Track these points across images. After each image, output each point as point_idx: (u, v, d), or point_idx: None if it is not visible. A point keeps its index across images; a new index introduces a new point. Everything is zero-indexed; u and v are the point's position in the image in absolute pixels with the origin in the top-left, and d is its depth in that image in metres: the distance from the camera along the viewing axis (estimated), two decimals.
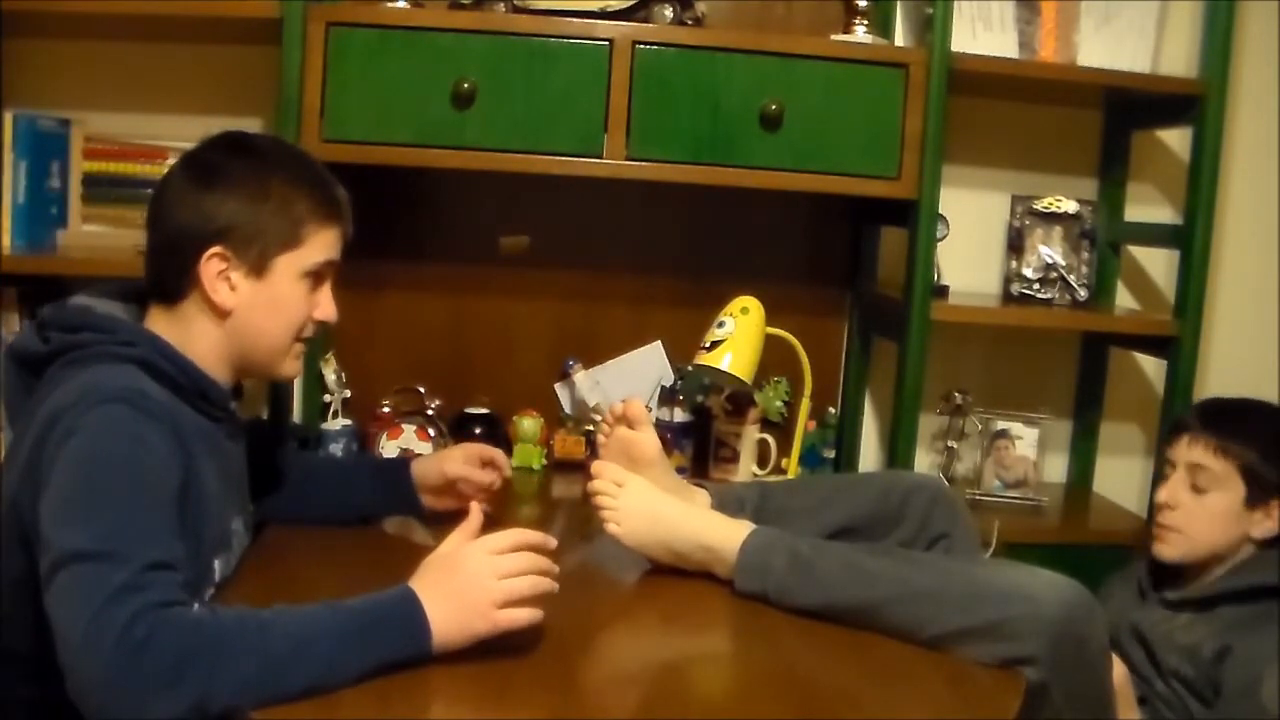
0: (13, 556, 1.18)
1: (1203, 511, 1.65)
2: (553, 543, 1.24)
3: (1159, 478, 1.78)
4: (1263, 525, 1.64)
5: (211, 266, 1.29)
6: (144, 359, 1.24)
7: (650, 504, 1.47)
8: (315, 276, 1.36)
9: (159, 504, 1.14)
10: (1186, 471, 1.67)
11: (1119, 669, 1.46)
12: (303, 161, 1.39)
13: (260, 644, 1.05)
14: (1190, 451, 1.68)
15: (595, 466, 1.51)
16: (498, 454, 1.66)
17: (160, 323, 1.33)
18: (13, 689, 1.23)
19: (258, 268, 1.31)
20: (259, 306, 1.33)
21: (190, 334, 1.32)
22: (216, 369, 1.34)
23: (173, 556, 1.10)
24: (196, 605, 1.13)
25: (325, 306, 1.39)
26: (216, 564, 1.31)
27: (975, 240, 2.35)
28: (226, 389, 1.36)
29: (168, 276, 1.32)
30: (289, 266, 1.33)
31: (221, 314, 1.32)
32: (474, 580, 1.16)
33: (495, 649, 1.19)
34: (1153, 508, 1.74)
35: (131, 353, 1.24)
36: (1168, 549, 1.68)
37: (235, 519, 1.39)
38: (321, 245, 1.36)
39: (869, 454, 2.39)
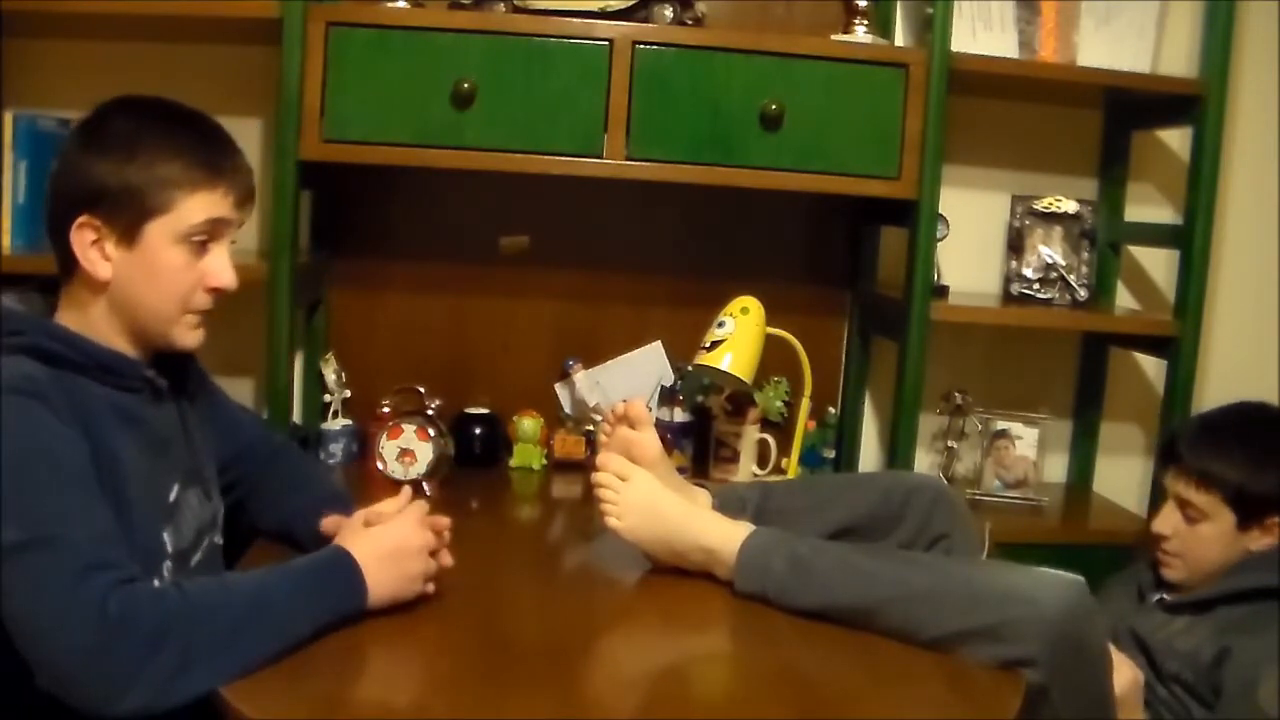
0: None
1: (1198, 541, 1.66)
2: (445, 521, 1.35)
3: (1157, 490, 1.77)
4: (1261, 541, 1.63)
5: (83, 236, 1.24)
6: (31, 346, 1.21)
7: (652, 500, 1.47)
8: (198, 241, 1.28)
9: (76, 480, 1.13)
10: (1176, 503, 1.68)
11: (1132, 673, 1.47)
12: (184, 118, 1.31)
13: (225, 605, 1.12)
14: (1175, 485, 1.68)
15: (601, 458, 1.51)
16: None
17: (65, 305, 1.30)
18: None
19: (129, 235, 1.25)
20: (135, 277, 1.26)
21: (85, 311, 1.28)
22: (118, 342, 1.30)
23: (108, 527, 1.12)
24: (156, 582, 1.16)
25: (218, 273, 1.30)
26: (166, 536, 1.28)
27: (975, 240, 2.35)
28: (134, 359, 1.31)
29: (55, 250, 1.28)
30: (161, 232, 1.25)
31: (99, 286, 1.27)
32: (410, 552, 1.29)
33: (496, 649, 1.19)
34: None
35: (18, 341, 1.21)
36: (1173, 573, 1.69)
37: (174, 487, 1.33)
38: (197, 208, 1.26)
39: (869, 454, 2.39)
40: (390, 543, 1.28)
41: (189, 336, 1.33)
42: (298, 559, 1.24)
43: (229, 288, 1.31)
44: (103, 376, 1.26)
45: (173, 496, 1.33)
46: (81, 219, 1.24)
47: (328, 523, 1.42)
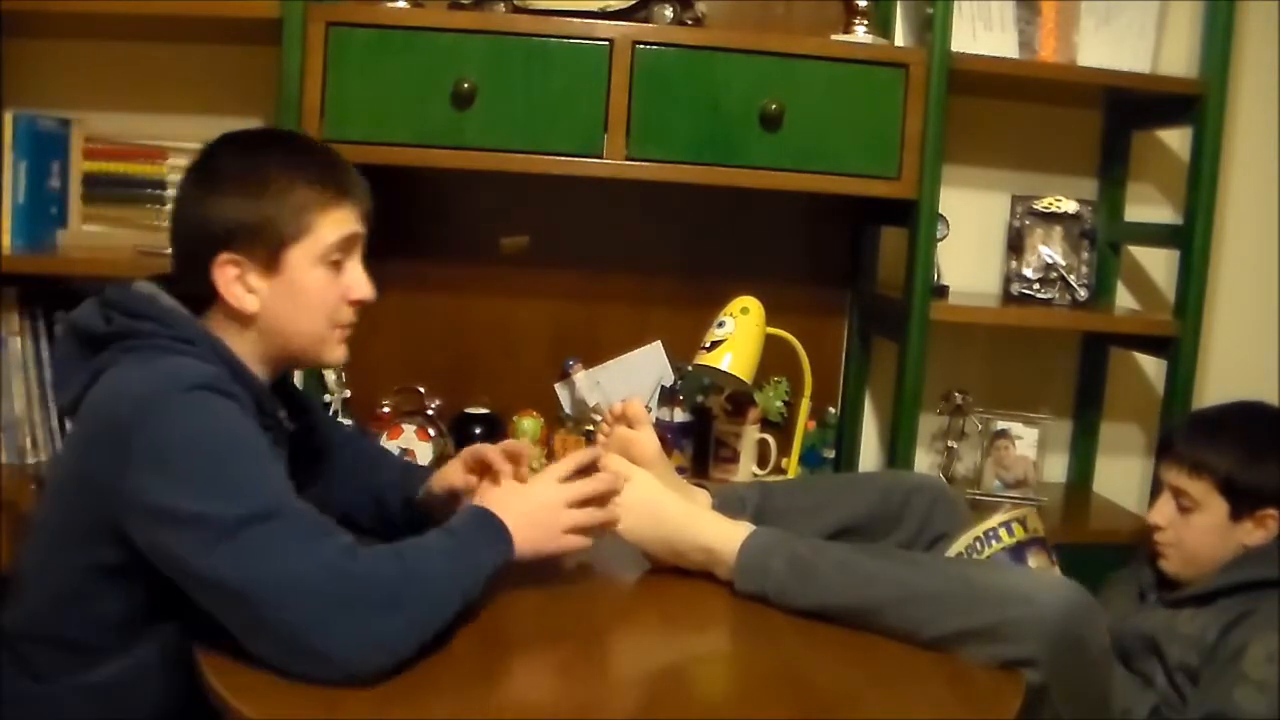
0: (90, 544, 1.18)
1: (1191, 531, 1.67)
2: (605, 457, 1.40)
3: (1156, 489, 1.78)
4: (1254, 534, 1.64)
5: (226, 273, 1.27)
6: (200, 359, 1.23)
7: (653, 500, 1.46)
8: (335, 258, 1.32)
9: (275, 464, 1.22)
10: (1171, 493, 1.69)
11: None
12: (299, 145, 1.36)
13: (426, 564, 1.17)
14: (1169, 474, 1.70)
15: (601, 459, 1.51)
16: (489, 451, 1.48)
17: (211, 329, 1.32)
18: (68, 677, 1.22)
19: (271, 265, 1.28)
20: (283, 302, 1.30)
21: (231, 339, 1.30)
22: (258, 369, 1.32)
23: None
24: None
25: (358, 287, 1.35)
26: None
27: (975, 240, 2.35)
28: (274, 396, 1.34)
29: (192, 287, 1.30)
30: (302, 256, 1.29)
31: (247, 319, 1.30)
32: (546, 506, 1.31)
33: (495, 648, 1.19)
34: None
35: (189, 350, 1.24)
36: (1168, 565, 1.71)
37: None
38: (332, 226, 1.30)
39: (869, 454, 2.39)
40: (520, 500, 1.31)
41: (338, 351, 1.38)
42: (444, 526, 1.25)
43: (369, 298, 1.35)
44: (248, 405, 1.27)
45: None
46: (222, 257, 1.27)
47: (440, 479, 1.49)
